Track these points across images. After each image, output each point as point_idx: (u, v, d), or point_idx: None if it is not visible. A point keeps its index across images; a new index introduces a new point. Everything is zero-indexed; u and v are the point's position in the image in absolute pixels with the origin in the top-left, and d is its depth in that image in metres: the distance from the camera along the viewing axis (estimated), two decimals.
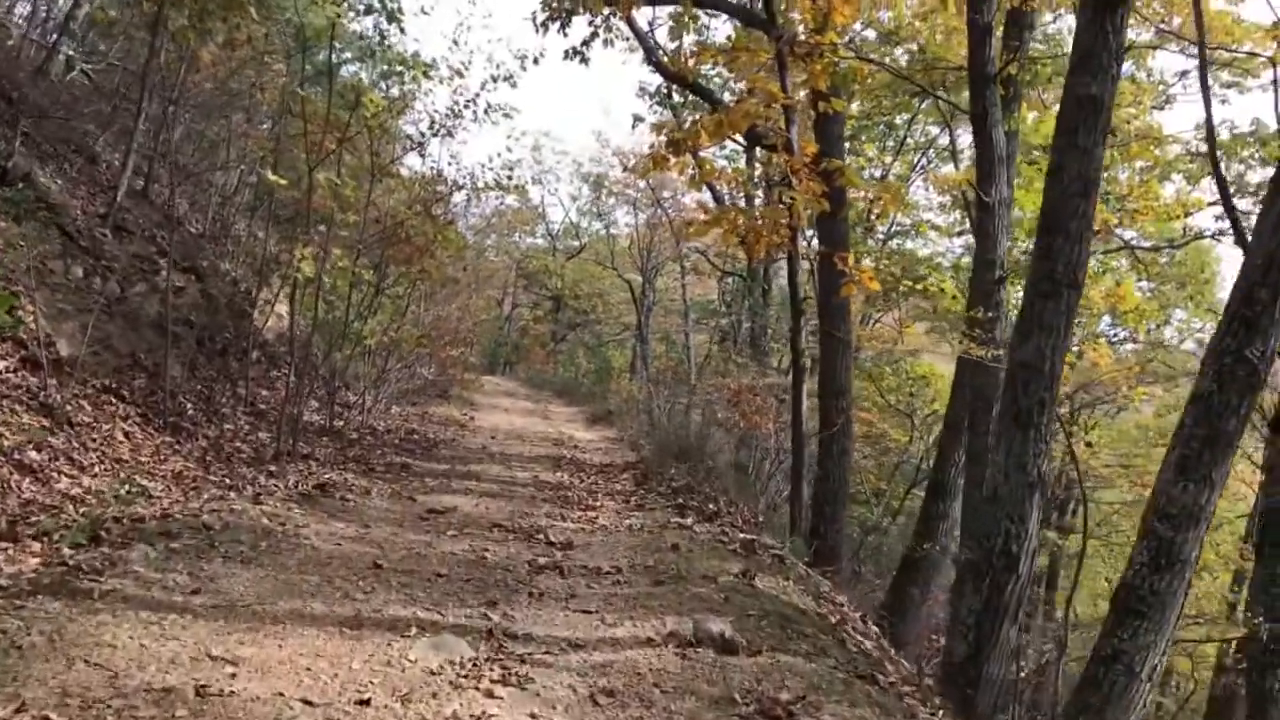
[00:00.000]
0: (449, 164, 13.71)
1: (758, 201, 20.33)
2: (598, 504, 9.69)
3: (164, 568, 5.48)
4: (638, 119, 24.57)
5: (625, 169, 32.66)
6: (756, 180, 16.44)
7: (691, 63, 10.99)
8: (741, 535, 8.29)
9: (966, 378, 11.52)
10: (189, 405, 10.90)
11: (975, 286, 10.43)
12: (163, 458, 9.03)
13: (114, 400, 9.32)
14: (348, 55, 16.03)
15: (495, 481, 10.51)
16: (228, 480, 8.59)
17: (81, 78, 15.47)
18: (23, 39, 15.11)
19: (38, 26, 15.18)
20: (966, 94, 11.71)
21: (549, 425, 17.95)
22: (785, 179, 10.22)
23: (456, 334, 17.86)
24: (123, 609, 4.72)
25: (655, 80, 24.07)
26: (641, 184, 33.81)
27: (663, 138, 11.62)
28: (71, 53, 15.84)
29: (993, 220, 9.97)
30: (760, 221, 10.24)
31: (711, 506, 9.45)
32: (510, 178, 12.39)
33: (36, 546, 5.47)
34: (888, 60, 12.40)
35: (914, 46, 13.20)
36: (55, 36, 14.52)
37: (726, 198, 25.27)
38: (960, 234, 23.46)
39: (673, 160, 10.76)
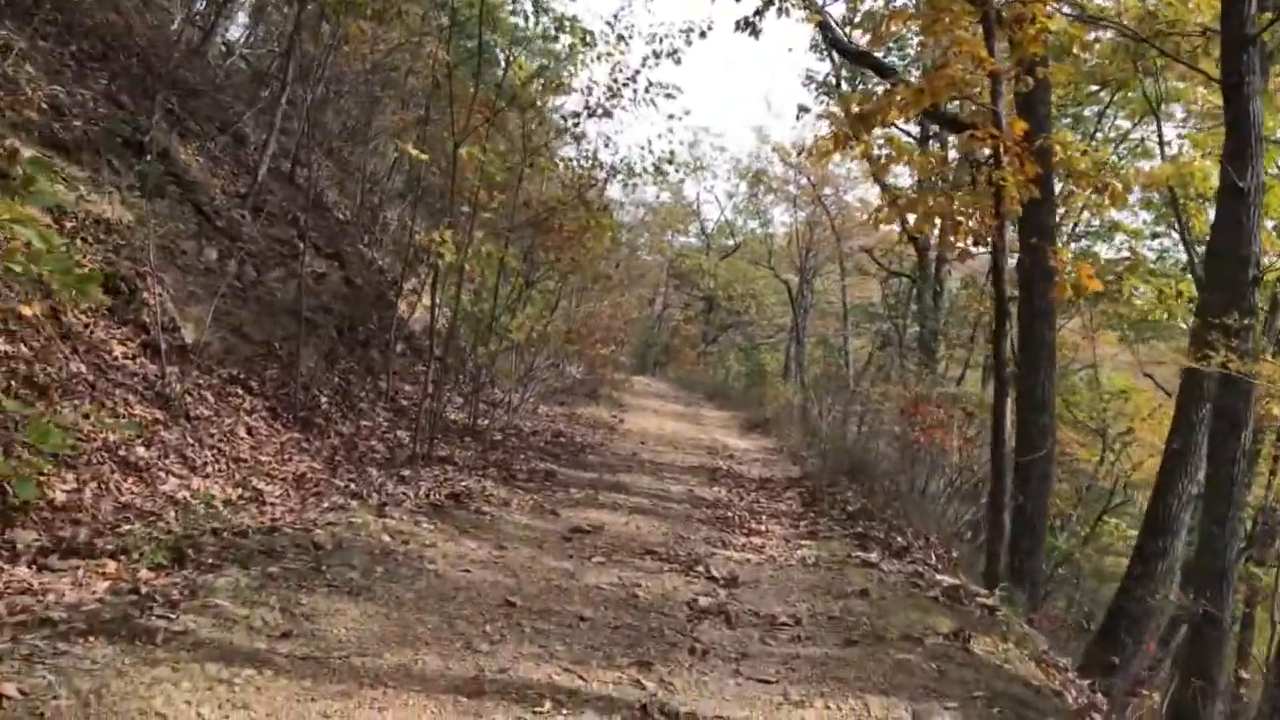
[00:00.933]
0: (604, 147, 12.59)
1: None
2: (762, 528, 8.42)
3: (254, 600, 4.50)
4: (803, 109, 23.26)
5: (787, 163, 31.21)
6: (950, 162, 14.86)
7: (884, 29, 9.59)
8: (941, 578, 6.88)
9: (1199, 395, 9.76)
10: (324, 399, 10.16)
11: (1216, 287, 8.69)
12: (286, 457, 8.23)
13: (240, 392, 8.58)
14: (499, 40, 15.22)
15: (646, 495, 9.36)
16: (354, 485, 7.69)
17: (240, 62, 15.15)
18: (184, 22, 14.86)
19: (198, 9, 14.87)
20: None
21: (701, 431, 16.75)
22: (991, 159, 8.72)
23: (607, 332, 16.85)
24: (189, 658, 3.74)
25: (823, 68, 22.61)
26: (803, 180, 32.34)
27: (840, 113, 10.28)
28: (231, 37, 15.54)
29: (1245, 208, 8.23)
30: (963, 207, 8.78)
31: (898, 539, 8.05)
32: (671, 162, 11.26)
33: (111, 566, 4.58)
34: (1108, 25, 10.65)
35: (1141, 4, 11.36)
36: (213, 18, 14.18)
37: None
38: (1155, 236, 21.16)
39: (856, 141, 9.43)
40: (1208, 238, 10.31)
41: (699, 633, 5.17)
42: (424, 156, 8.45)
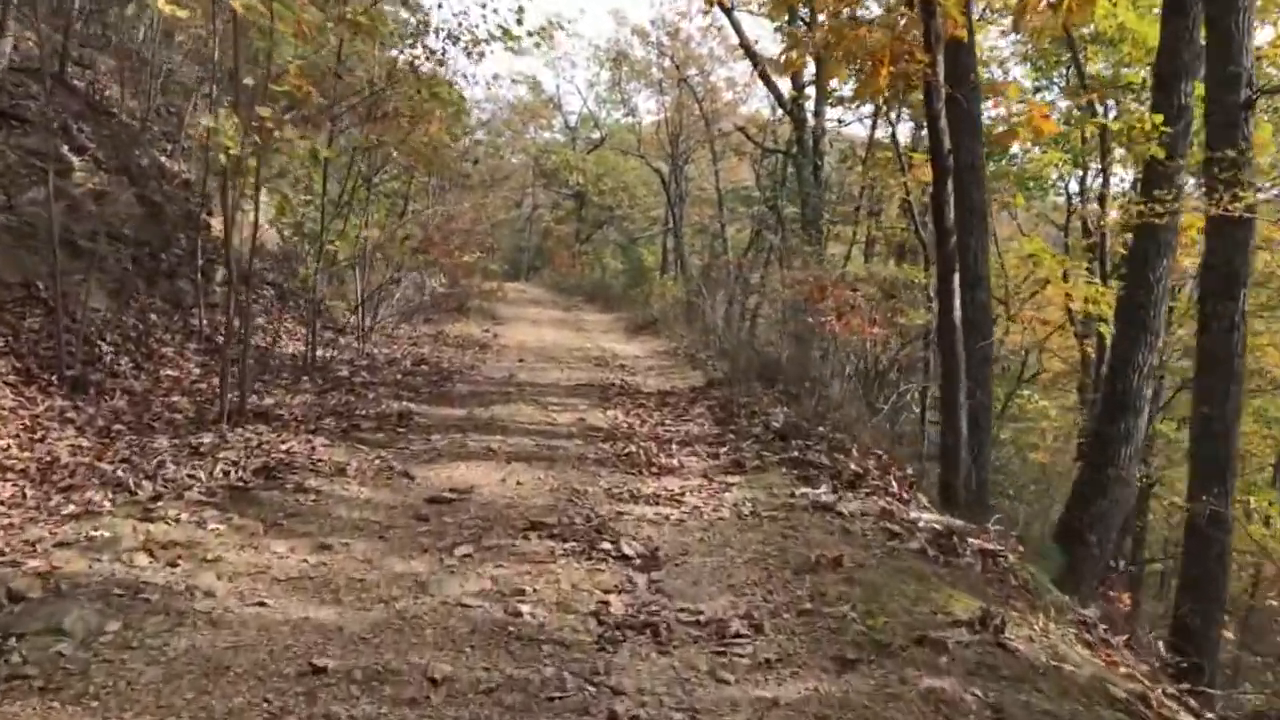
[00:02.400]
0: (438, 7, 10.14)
1: None
2: (675, 462, 6.58)
3: None
4: None
5: (648, 44, 28.86)
6: None
7: None
8: (918, 516, 5.18)
9: (1158, 248, 8.24)
10: (108, 350, 7.82)
11: (1210, 115, 7.08)
12: (38, 434, 5.97)
13: None
14: None
15: (528, 432, 7.40)
16: (126, 468, 5.52)
17: None
18: None
19: None
20: None
21: (585, 338, 14.80)
22: None
23: (469, 237, 14.60)
24: None
25: None
26: (666, 63, 30.05)
27: None
28: None
29: (1234, 14, 6.54)
30: (885, 39, 6.87)
31: (846, 463, 6.31)
32: (520, 21, 9.00)
33: None
34: None
35: None
36: None
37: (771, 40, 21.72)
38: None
39: None
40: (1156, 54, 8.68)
41: (619, 677, 3.30)
42: (176, 8, 6.02)
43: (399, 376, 9.56)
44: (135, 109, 11.58)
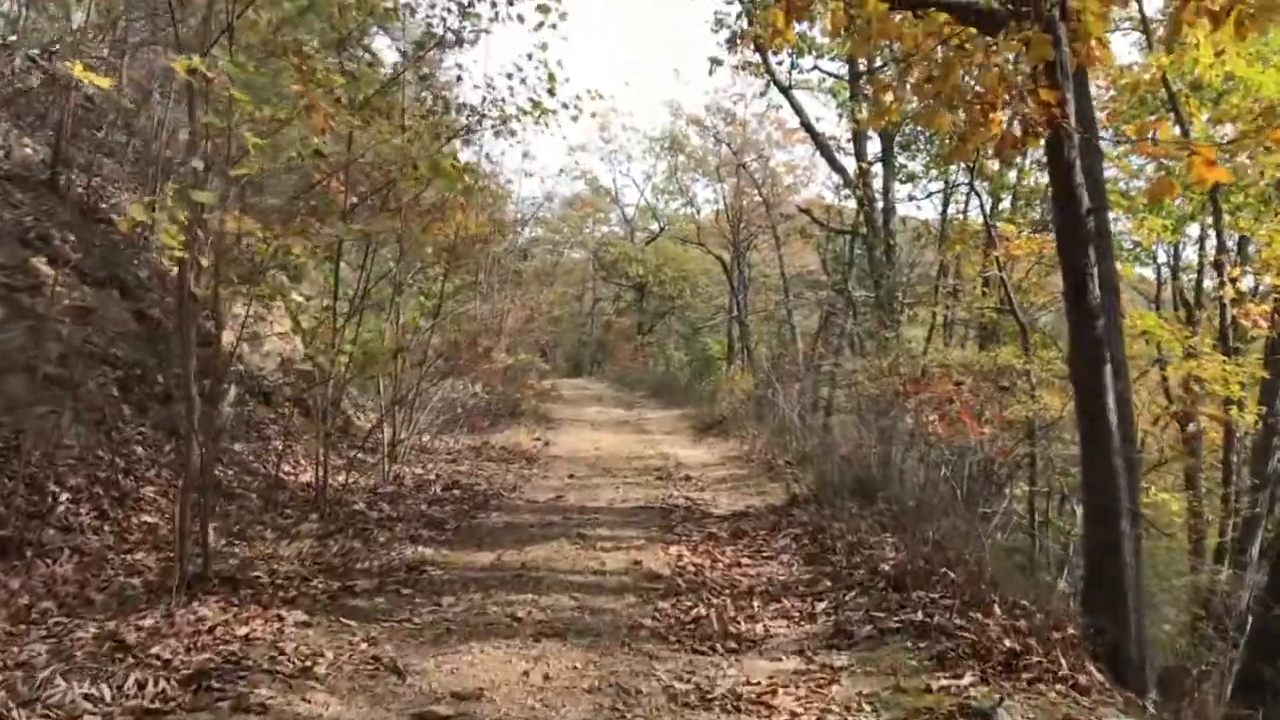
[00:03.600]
0: (458, 83, 8.93)
1: None
2: (760, 629, 4.90)
3: None
4: (715, 62, 19.58)
5: (704, 131, 27.87)
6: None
7: None
8: None
9: None
10: (64, 498, 6.41)
11: None
12: None
13: None
14: None
15: (569, 587, 5.76)
16: (14, 679, 4.00)
17: None
18: None
19: None
20: None
21: (647, 443, 13.19)
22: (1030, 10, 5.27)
23: (520, 336, 13.21)
24: None
25: (732, 9, 19.07)
26: (723, 150, 28.98)
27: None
28: None
29: None
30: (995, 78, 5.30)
31: (995, 631, 4.53)
32: (552, 92, 7.64)
33: None
34: None
35: None
36: None
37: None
38: None
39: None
40: None
41: None
42: (102, 83, 4.72)
43: (424, 507, 8.02)
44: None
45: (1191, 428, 12.84)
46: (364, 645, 4.62)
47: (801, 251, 30.58)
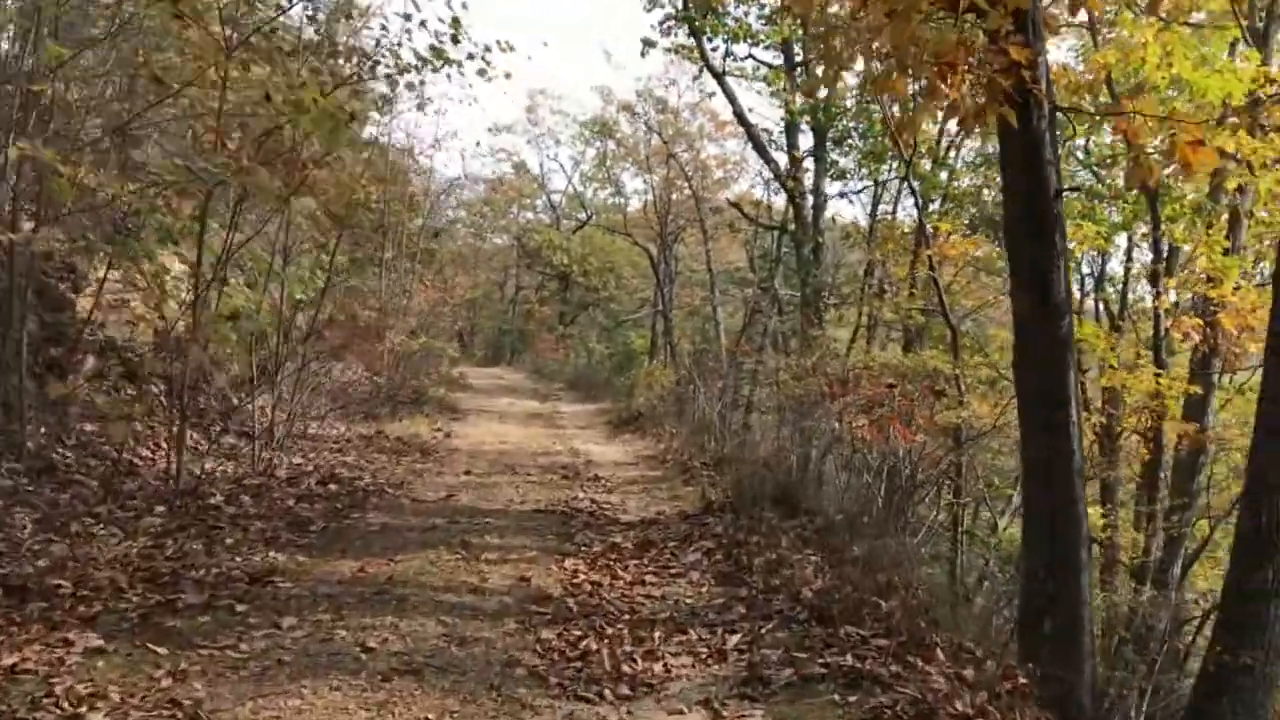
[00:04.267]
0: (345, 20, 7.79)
1: None
2: (660, 668, 4.07)
3: None
4: (648, 44, 18.72)
5: (635, 118, 27.03)
6: None
7: None
8: None
9: None
10: None
11: None
12: None
13: None
14: None
15: (438, 609, 4.85)
16: None
17: None
18: None
19: None
20: None
21: (557, 438, 12.30)
22: None
23: (407, 315, 12.19)
24: None
25: None
26: (654, 139, 28.19)
27: None
28: None
29: None
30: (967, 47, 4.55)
31: (937, 681, 3.76)
32: (456, 39, 6.67)
33: None
34: None
35: None
36: None
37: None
38: None
39: None
40: None
41: None
42: None
43: (291, 503, 7.02)
44: None
45: (1119, 442, 12.44)
46: (166, 681, 3.66)
47: (729, 247, 29.99)
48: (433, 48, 6.70)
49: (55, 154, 4.92)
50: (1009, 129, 4.87)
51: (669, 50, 19.77)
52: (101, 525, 5.91)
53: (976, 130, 17.57)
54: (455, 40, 6.73)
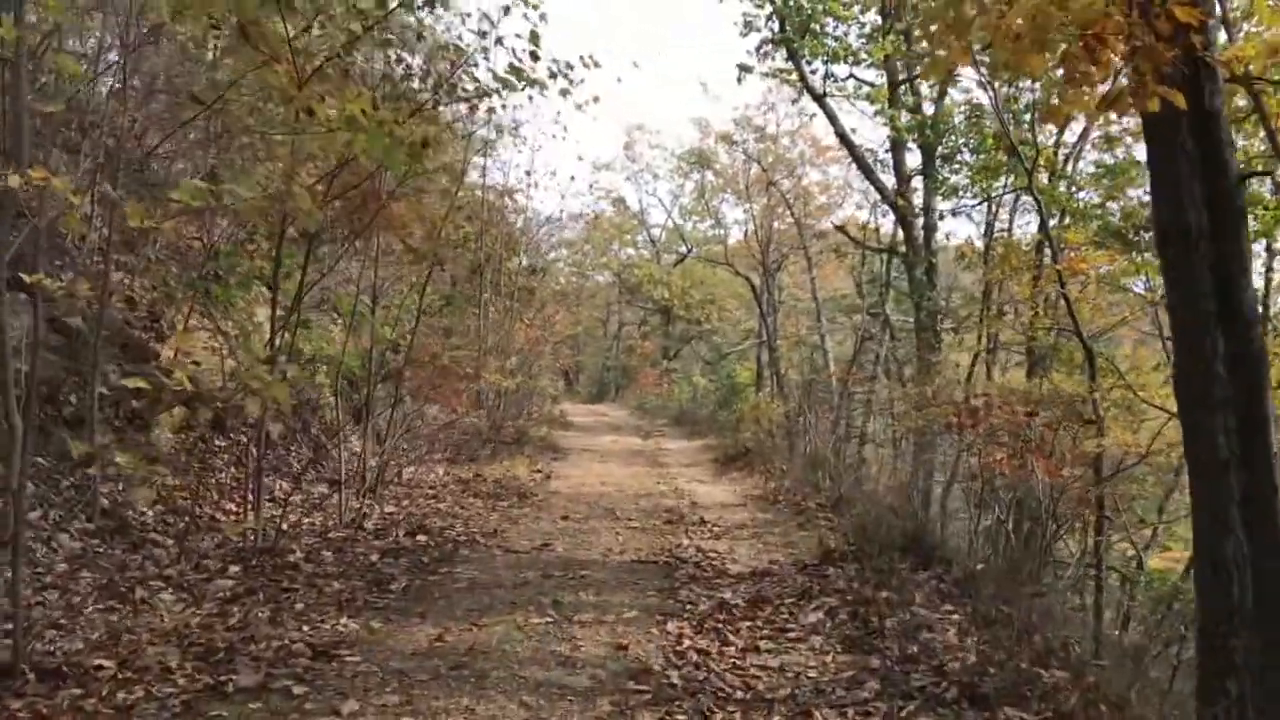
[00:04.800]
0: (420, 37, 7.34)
1: None
2: None
3: None
4: (744, 69, 18.14)
5: (733, 146, 26.49)
6: None
7: None
8: None
9: None
10: None
11: None
12: None
13: None
14: None
15: (519, 689, 4.18)
16: None
17: None
18: None
19: None
20: None
21: (661, 477, 11.63)
22: None
23: (508, 354, 11.73)
24: None
25: (762, 11, 17.59)
26: (753, 169, 27.58)
27: None
28: None
29: None
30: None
31: None
32: (535, 55, 6.16)
33: None
34: None
35: None
36: None
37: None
38: None
39: None
40: None
41: None
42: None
43: (375, 558, 6.51)
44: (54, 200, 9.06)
45: None
46: None
47: (834, 274, 29.00)
48: (512, 66, 6.19)
49: (138, 207, 4.49)
50: (1163, 111, 4.03)
51: (766, 75, 19.15)
52: (170, 589, 5.48)
53: (1096, 138, 16.37)
54: (535, 57, 6.22)
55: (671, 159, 31.30)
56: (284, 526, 6.91)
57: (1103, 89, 4.32)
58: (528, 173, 23.38)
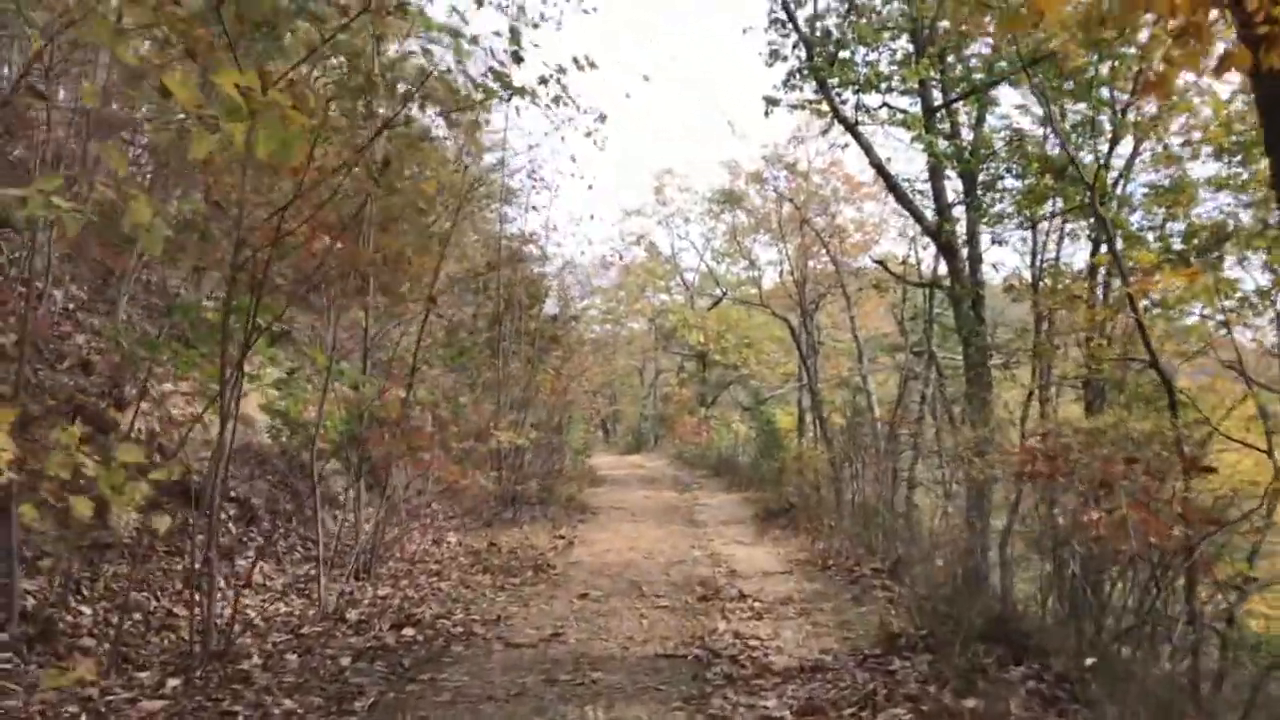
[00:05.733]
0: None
1: None
2: None
3: None
4: (772, 102, 17.14)
5: (763, 185, 25.52)
6: None
7: None
8: None
9: None
10: None
11: None
12: None
13: None
14: None
15: None
16: None
17: None
18: None
19: None
20: None
21: (696, 540, 10.40)
22: None
23: (529, 406, 10.65)
24: None
25: (788, 40, 16.58)
26: (785, 207, 26.55)
27: None
28: None
29: None
30: None
31: None
32: (518, 57, 5.11)
33: None
34: None
35: None
36: None
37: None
38: None
39: None
40: None
41: None
42: None
43: (347, 661, 5.37)
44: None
45: None
46: None
47: (873, 313, 27.70)
48: (493, 70, 5.17)
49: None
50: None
51: (794, 107, 18.14)
52: (85, 717, 4.39)
53: (1150, 152, 15.13)
54: (518, 59, 5.18)
55: (702, 201, 30.39)
56: (234, 625, 5.79)
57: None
58: (546, 226, 22.43)
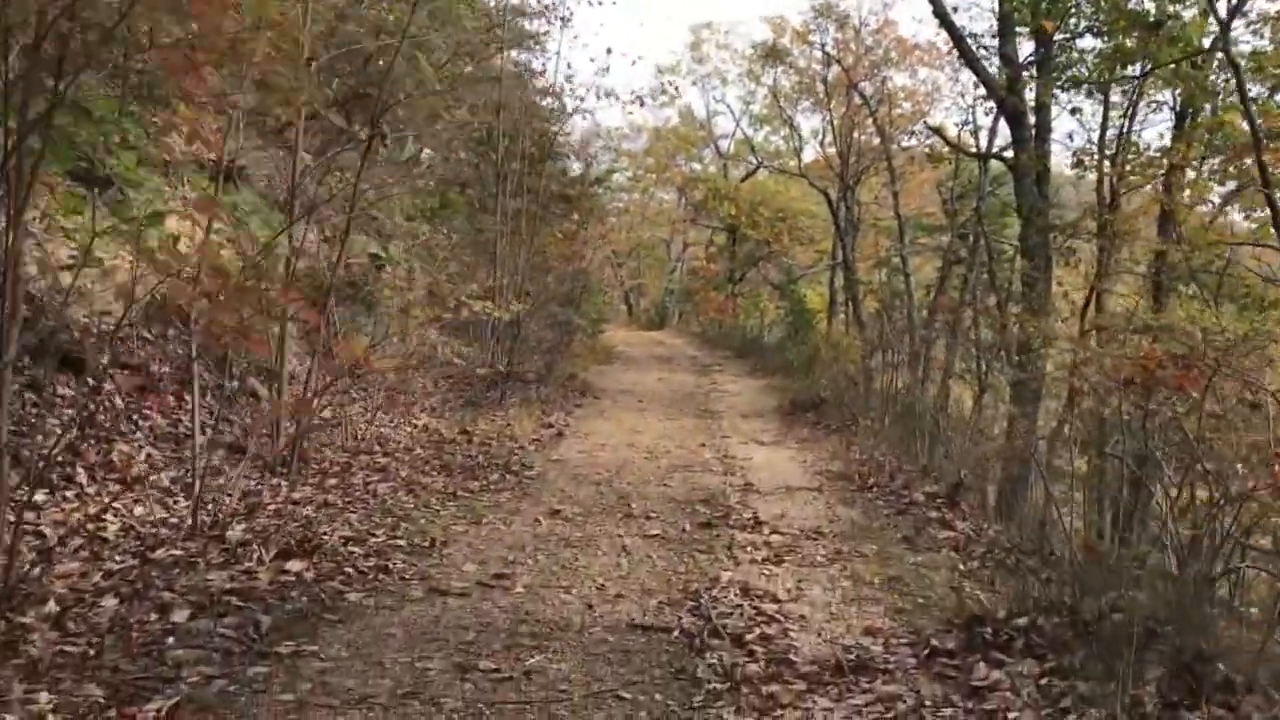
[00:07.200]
0: None
1: None
2: None
3: None
4: None
5: (809, 47, 22.88)
6: None
7: None
8: None
9: None
10: None
11: None
12: None
13: None
14: None
15: None
16: None
17: None
18: None
19: None
20: None
21: (709, 436, 8.60)
22: None
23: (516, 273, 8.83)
24: None
25: None
26: (832, 70, 23.88)
27: None
28: None
29: None
30: None
31: None
32: None
33: None
34: None
35: None
36: None
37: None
38: None
39: None
40: None
41: None
42: None
43: (182, 617, 3.63)
44: None
45: None
46: None
47: (915, 192, 25.21)
48: None
49: None
50: None
51: None
52: None
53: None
54: None
55: (742, 61, 27.59)
56: (62, 545, 4.07)
57: None
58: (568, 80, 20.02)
